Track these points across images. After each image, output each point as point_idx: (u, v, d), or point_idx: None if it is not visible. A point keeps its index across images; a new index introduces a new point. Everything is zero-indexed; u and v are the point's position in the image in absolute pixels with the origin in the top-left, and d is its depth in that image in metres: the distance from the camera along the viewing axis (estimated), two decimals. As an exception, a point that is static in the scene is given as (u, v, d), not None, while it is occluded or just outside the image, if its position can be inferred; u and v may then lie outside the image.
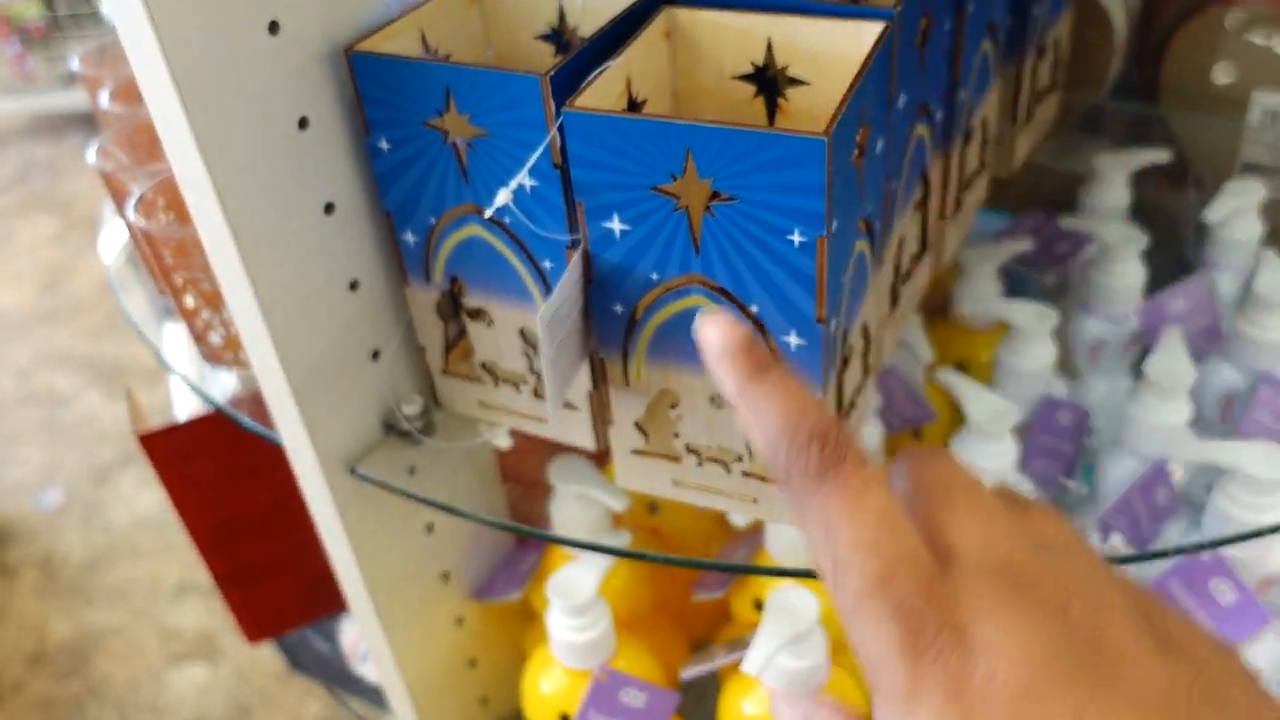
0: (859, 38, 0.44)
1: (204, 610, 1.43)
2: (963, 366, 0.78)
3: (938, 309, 0.81)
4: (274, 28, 0.45)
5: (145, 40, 0.40)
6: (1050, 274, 0.79)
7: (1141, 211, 0.79)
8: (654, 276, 0.43)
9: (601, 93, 0.43)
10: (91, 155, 0.64)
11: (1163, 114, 0.82)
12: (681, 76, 0.49)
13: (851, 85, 0.39)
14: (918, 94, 0.51)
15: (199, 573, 1.46)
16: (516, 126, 0.44)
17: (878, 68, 0.43)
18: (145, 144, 0.68)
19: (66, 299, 2.11)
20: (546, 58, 0.53)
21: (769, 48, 0.46)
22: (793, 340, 0.42)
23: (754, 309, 0.42)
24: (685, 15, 0.47)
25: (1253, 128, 0.78)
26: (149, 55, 0.41)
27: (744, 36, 0.47)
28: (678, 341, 0.45)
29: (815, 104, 0.47)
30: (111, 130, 0.67)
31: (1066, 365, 0.75)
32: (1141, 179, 0.78)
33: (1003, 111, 0.68)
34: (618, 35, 0.46)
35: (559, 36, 0.53)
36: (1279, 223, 0.73)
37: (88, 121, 2.69)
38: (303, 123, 0.47)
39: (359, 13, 0.49)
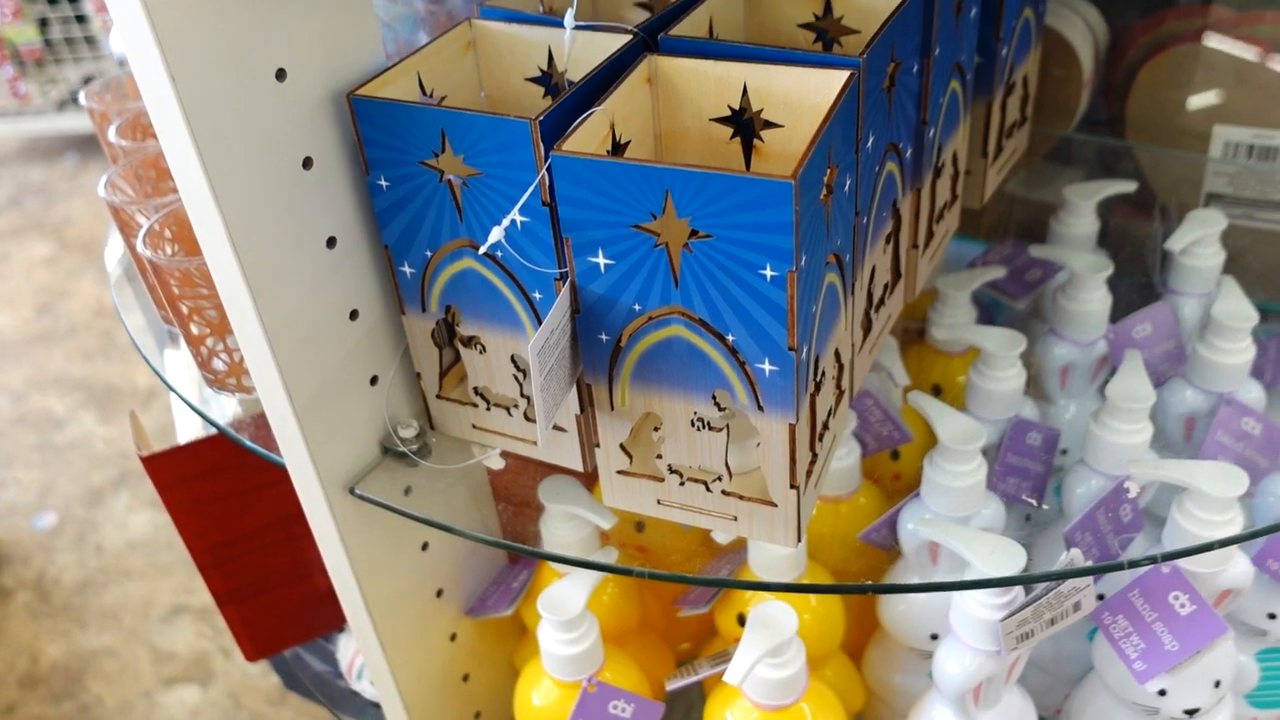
0: (827, 84, 0.47)
1: (196, 632, 1.45)
2: (939, 389, 0.81)
3: (915, 333, 0.84)
4: (281, 75, 0.48)
5: (162, 88, 0.43)
6: (1022, 300, 0.82)
7: (1109, 239, 0.82)
8: (637, 307, 0.46)
9: (587, 136, 0.46)
10: (101, 188, 0.67)
11: (1129, 146, 0.85)
12: (663, 119, 0.52)
13: (818, 131, 0.42)
14: (886, 134, 0.54)
15: (191, 595, 1.48)
16: (508, 167, 0.47)
17: (844, 113, 0.46)
18: (151, 177, 0.71)
19: (60, 322, 2.13)
20: (536, 99, 0.56)
21: (745, 93, 0.49)
22: (766, 367, 0.45)
23: (730, 338, 0.45)
24: (666, 62, 0.50)
25: (1215, 160, 0.81)
26: (165, 102, 0.44)
27: (721, 82, 0.50)
28: (660, 368, 0.48)
29: (789, 145, 0.50)
30: (119, 164, 0.69)
31: (1038, 388, 0.78)
32: (1109, 208, 0.81)
33: (973, 146, 0.72)
34: (603, 80, 0.49)
35: (548, 79, 0.56)
36: (1239, 250, 0.77)
37: (82, 145, 2.72)
38: (307, 162, 0.50)
39: (360, 59, 0.52)
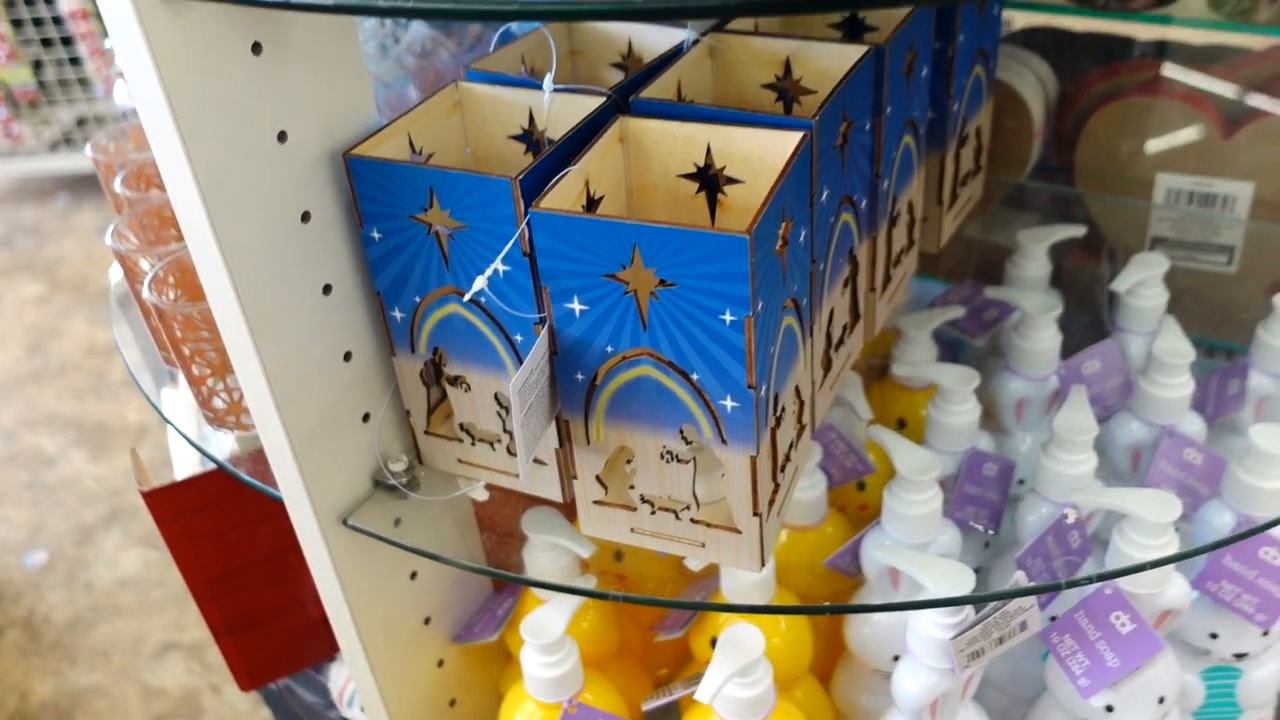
0: (782, 144, 0.52)
1: (186, 669, 1.47)
2: (903, 422, 0.86)
3: (881, 369, 0.88)
4: (282, 136, 0.52)
5: (173, 149, 0.48)
6: (981, 338, 0.86)
7: (1062, 280, 0.87)
8: (609, 349, 0.50)
9: (563, 193, 0.50)
10: (108, 237, 0.71)
11: (1079, 194, 0.90)
12: (634, 175, 0.56)
13: (771, 189, 0.47)
14: (841, 187, 0.58)
15: (181, 632, 1.50)
16: (491, 221, 0.51)
17: (797, 171, 0.50)
18: (155, 225, 0.75)
19: (51, 361, 2.16)
20: (518, 156, 0.61)
21: (708, 152, 0.54)
22: (728, 403, 0.49)
23: (695, 377, 0.49)
24: (636, 124, 0.55)
25: (1158, 206, 0.86)
26: (175, 162, 0.48)
27: (687, 142, 0.54)
28: (631, 404, 0.52)
29: (749, 199, 0.55)
30: (125, 214, 0.73)
31: (996, 421, 0.82)
32: (1061, 251, 0.86)
33: (928, 194, 0.76)
34: (578, 140, 0.53)
35: (529, 137, 0.60)
36: (1181, 290, 0.81)
37: (74, 185, 2.76)
38: (305, 216, 0.54)
39: (355, 120, 0.56)
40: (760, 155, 0.53)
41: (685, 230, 0.45)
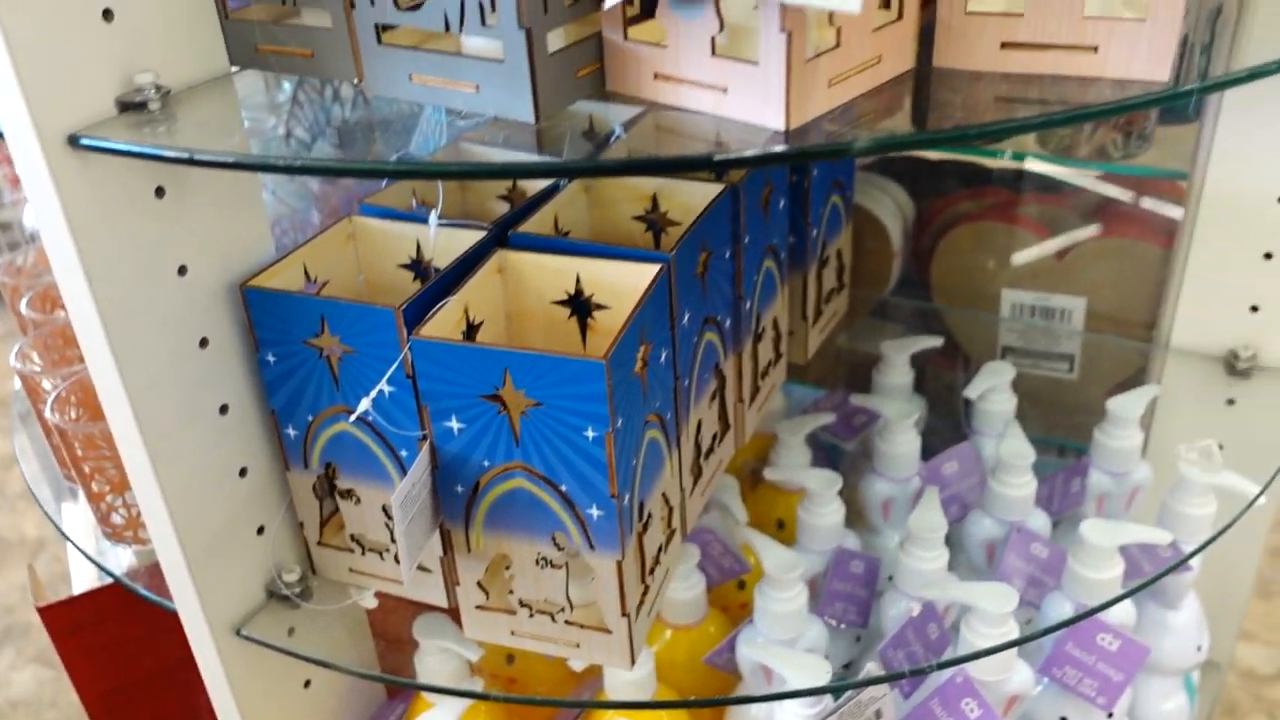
0: (643, 275, 0.57)
1: (81, 788, 1.43)
2: (782, 523, 0.91)
3: (761, 473, 0.94)
4: (183, 270, 0.56)
5: (76, 283, 0.51)
6: (851, 442, 0.92)
7: (925, 387, 0.94)
8: (486, 463, 0.55)
9: (443, 321, 0.55)
10: (12, 358, 0.73)
11: (937, 307, 0.98)
12: (512, 301, 0.62)
13: (627, 319, 0.52)
14: (703, 310, 0.64)
15: (76, 750, 1.47)
16: (377, 346, 0.56)
17: (656, 299, 0.56)
18: (59, 345, 0.78)
19: (-53, 475, 2.11)
20: (407, 283, 0.66)
21: (578, 281, 0.60)
22: (594, 512, 0.54)
23: (564, 488, 0.54)
24: (513, 256, 0.60)
25: (1005, 319, 0.94)
26: (79, 294, 0.52)
27: (559, 273, 0.60)
28: (507, 514, 0.56)
29: (616, 323, 0.60)
30: (29, 335, 0.76)
31: (865, 520, 0.88)
32: (924, 360, 0.93)
33: (794, 311, 0.83)
34: (461, 270, 0.59)
35: (418, 265, 0.65)
36: (1030, 395, 0.89)
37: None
38: (203, 342, 0.58)
39: (253, 253, 0.61)
40: (624, 284, 0.59)
41: (549, 356, 0.50)
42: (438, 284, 0.57)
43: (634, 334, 0.53)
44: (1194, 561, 0.78)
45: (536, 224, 0.63)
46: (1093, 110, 0.46)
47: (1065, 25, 0.46)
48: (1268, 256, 0.79)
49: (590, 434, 0.52)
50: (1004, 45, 0.48)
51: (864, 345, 0.99)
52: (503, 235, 0.62)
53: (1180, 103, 0.47)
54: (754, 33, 0.43)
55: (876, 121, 0.46)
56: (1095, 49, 0.47)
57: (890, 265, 0.97)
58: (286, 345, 0.58)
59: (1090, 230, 0.91)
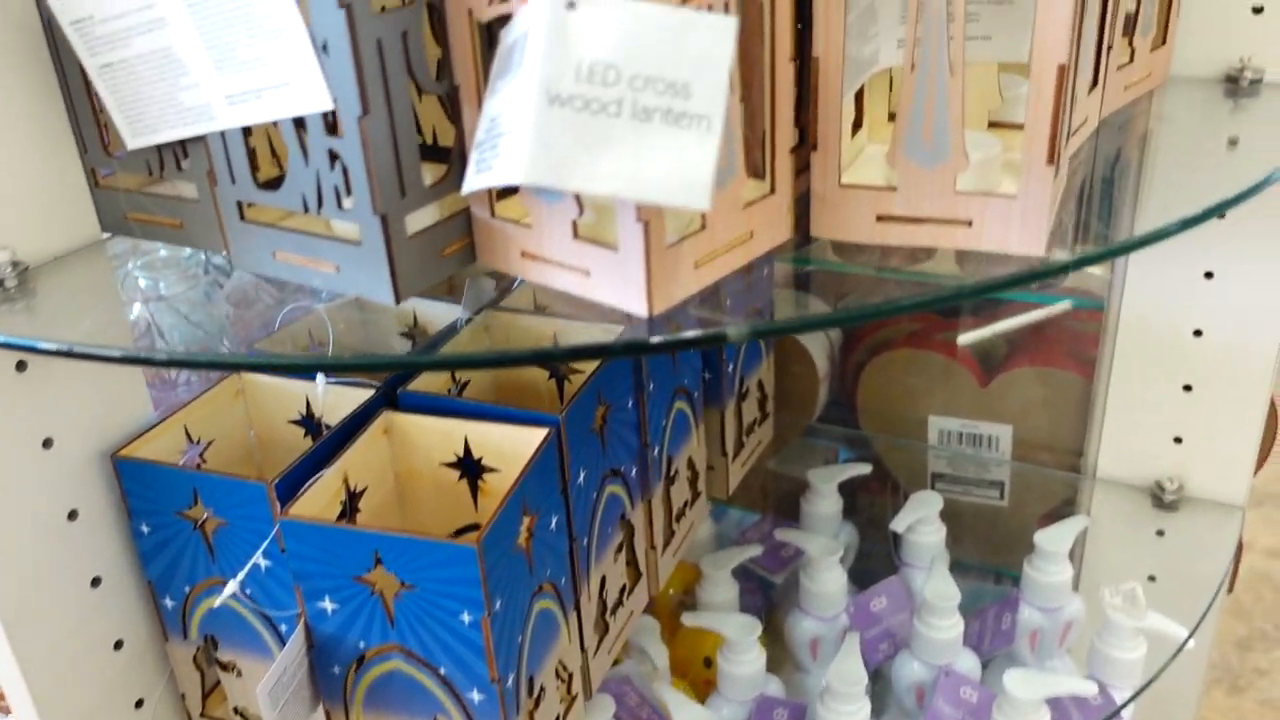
0: (532, 438, 0.56)
1: None
2: (709, 661, 0.88)
3: (689, 606, 0.91)
4: (48, 443, 0.54)
5: (-75, 471, 0.49)
6: (779, 575, 0.90)
7: (856, 514, 0.92)
8: (361, 645, 0.52)
9: (319, 495, 0.53)
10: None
11: (866, 435, 0.97)
12: (400, 461, 0.60)
13: (507, 494, 0.50)
14: (603, 464, 0.62)
15: None
16: (250, 520, 0.53)
17: (543, 466, 0.54)
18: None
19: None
20: (298, 439, 0.63)
21: (466, 443, 0.58)
22: (475, 696, 0.51)
23: (442, 671, 0.51)
24: (400, 418, 0.58)
25: (934, 445, 0.93)
26: (-72, 481, 0.49)
27: (447, 435, 0.58)
28: (386, 696, 0.53)
29: (507, 485, 0.58)
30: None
31: (793, 659, 0.85)
32: (855, 487, 0.92)
33: (712, 447, 0.81)
34: (347, 431, 0.57)
35: (309, 420, 0.63)
36: (961, 523, 0.87)
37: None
38: (72, 514, 0.56)
39: (127, 420, 0.58)
40: (513, 447, 0.57)
41: (420, 540, 0.48)
42: (314, 454, 0.54)
43: (515, 508, 0.51)
44: (1127, 711, 0.75)
45: (426, 383, 0.61)
46: (965, 290, 0.45)
47: (938, 200, 0.46)
48: (1187, 389, 0.78)
49: (466, 618, 0.49)
50: (880, 218, 0.47)
51: (793, 469, 0.98)
52: (392, 393, 0.60)
53: (1055, 276, 0.46)
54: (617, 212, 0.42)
55: (745, 301, 0.45)
56: (969, 223, 0.46)
57: (817, 390, 0.96)
58: (160, 516, 0.56)
59: (1014, 357, 0.90)
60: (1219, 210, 0.53)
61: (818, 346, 0.95)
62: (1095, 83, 0.59)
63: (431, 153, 0.49)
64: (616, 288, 0.43)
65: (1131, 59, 0.62)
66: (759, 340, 0.85)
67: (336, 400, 0.61)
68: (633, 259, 0.41)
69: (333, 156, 0.42)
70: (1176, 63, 0.68)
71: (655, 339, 0.41)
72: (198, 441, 0.61)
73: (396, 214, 0.43)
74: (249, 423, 0.64)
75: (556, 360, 0.57)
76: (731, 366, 0.80)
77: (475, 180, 0.39)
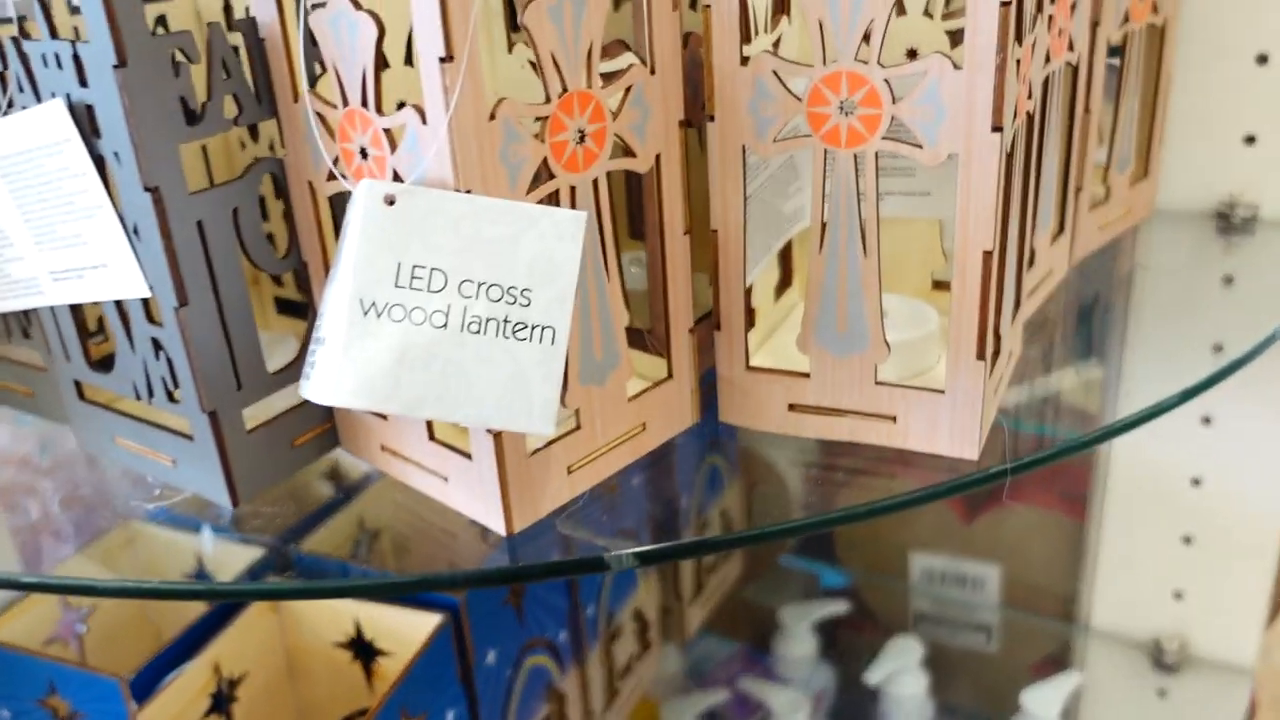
0: (426, 623, 0.50)
1: None
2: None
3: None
4: (-111, 624, 0.49)
5: None
6: (749, 721, 0.83)
7: (837, 654, 0.85)
8: None
9: (181, 690, 0.47)
10: None
11: (844, 570, 0.90)
12: (291, 638, 0.54)
13: (387, 693, 0.44)
14: (520, 637, 0.57)
15: None
16: (106, 715, 0.48)
17: (436, 655, 0.49)
18: None
19: None
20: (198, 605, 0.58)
21: (357, 625, 0.52)
22: None
23: None
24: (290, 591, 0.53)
25: (916, 584, 0.86)
26: None
27: (338, 614, 0.52)
28: None
29: (401, 667, 0.52)
30: None
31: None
32: (836, 624, 0.85)
33: (666, 592, 0.75)
34: (217, 618, 0.51)
35: (204, 577, 0.58)
36: (947, 668, 0.80)
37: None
38: (-79, 698, 0.51)
39: (-8, 588, 0.53)
40: (408, 631, 0.51)
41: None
42: (179, 644, 0.49)
43: (392, 712, 0.45)
44: None
45: (322, 543, 0.56)
46: (890, 503, 0.39)
47: (857, 391, 0.40)
48: (1187, 541, 0.71)
49: None
50: (793, 407, 0.41)
51: (767, 600, 0.91)
52: (286, 552, 0.55)
53: (993, 484, 0.40)
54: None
55: (635, 512, 0.39)
56: (894, 419, 0.40)
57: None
58: (20, 702, 0.51)
59: (999, 492, 0.83)
60: (1223, 377, 0.47)
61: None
62: (1061, 229, 0.53)
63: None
64: (473, 499, 0.37)
65: (1107, 197, 0.56)
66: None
67: (230, 558, 0.56)
68: (486, 471, 0.35)
69: (157, 345, 0.37)
70: (1162, 196, 0.62)
71: (504, 566, 0.35)
72: (76, 609, 0.56)
73: (230, 409, 0.38)
74: (141, 576, 0.59)
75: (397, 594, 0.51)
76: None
77: (301, 387, 0.34)
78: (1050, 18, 0.43)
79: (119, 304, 0.38)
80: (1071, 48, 0.48)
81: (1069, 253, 0.54)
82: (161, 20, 0.44)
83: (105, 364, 0.41)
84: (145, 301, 0.37)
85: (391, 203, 0.31)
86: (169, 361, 0.37)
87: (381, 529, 0.54)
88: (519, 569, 0.35)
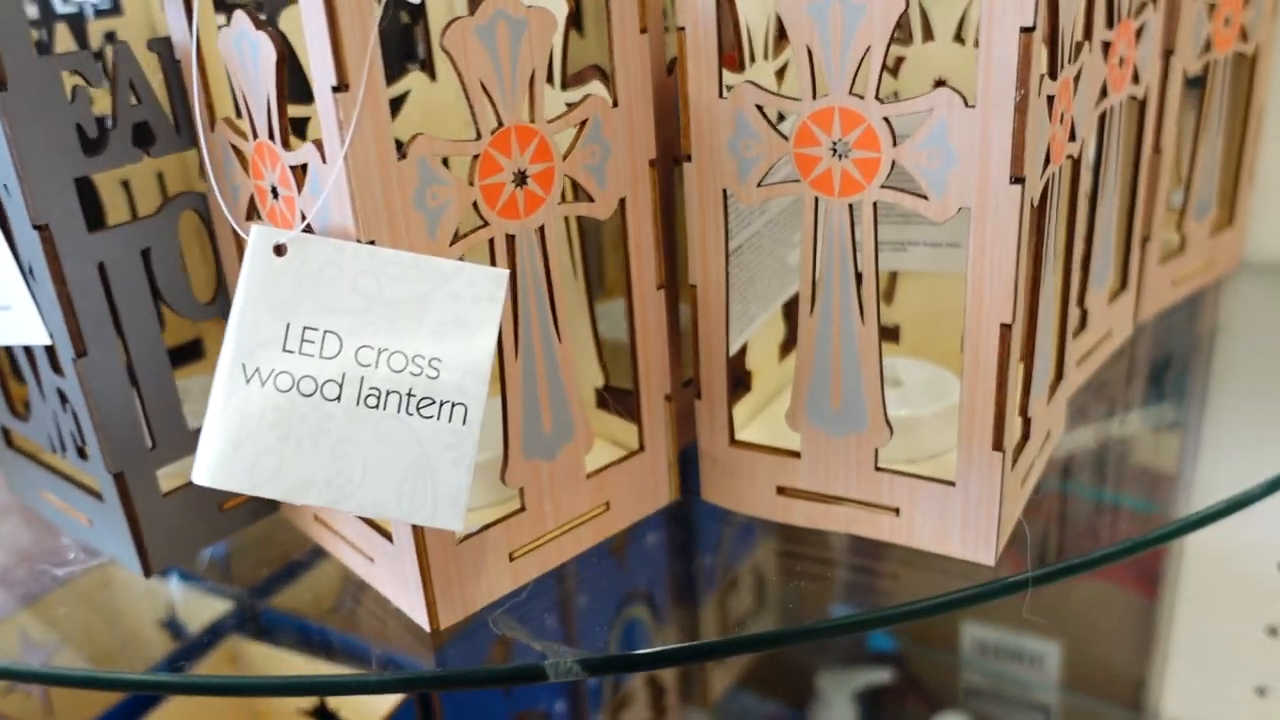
0: (389, 699, 0.46)
1: None
2: None
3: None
4: None
5: None
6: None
7: (875, 724, 0.79)
8: None
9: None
10: None
11: (894, 639, 0.83)
12: (258, 704, 0.50)
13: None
14: (503, 711, 0.52)
15: None
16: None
17: (391, 742, 0.44)
18: None
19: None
20: (165, 642, 0.55)
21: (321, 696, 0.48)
22: None
23: None
24: (249, 645, 0.49)
25: (967, 656, 0.79)
26: None
27: (303, 672, 0.48)
28: None
29: (368, 745, 0.48)
30: None
31: None
32: (880, 697, 0.78)
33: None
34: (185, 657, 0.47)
35: (174, 624, 0.54)
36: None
37: None
38: None
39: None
40: (371, 704, 0.47)
41: None
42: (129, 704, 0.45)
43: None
44: None
45: (289, 599, 0.52)
46: (888, 614, 0.33)
47: (854, 476, 0.34)
48: (1273, 633, 0.63)
49: None
50: (782, 490, 0.35)
51: (806, 658, 0.85)
52: (250, 616, 0.51)
53: (1009, 595, 0.34)
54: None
55: (591, 608, 0.34)
56: (896, 511, 0.34)
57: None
58: (-35, 753, 0.48)
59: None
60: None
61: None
62: (1124, 285, 0.46)
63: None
64: (398, 587, 0.32)
65: (1183, 247, 0.50)
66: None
67: (198, 608, 0.53)
68: (408, 558, 0.31)
69: (63, 397, 0.34)
70: (1250, 247, 0.54)
71: (417, 673, 0.30)
72: (41, 646, 0.53)
73: (140, 469, 0.34)
74: (112, 619, 0.56)
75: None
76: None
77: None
78: (1107, 45, 0.37)
79: (28, 350, 0.34)
80: (1137, 79, 0.41)
81: (1134, 311, 0.48)
82: (110, 36, 0.40)
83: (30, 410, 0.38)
84: (50, 349, 0.33)
85: (281, 253, 0.27)
86: (74, 415, 0.34)
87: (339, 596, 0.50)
88: (434, 676, 0.31)
